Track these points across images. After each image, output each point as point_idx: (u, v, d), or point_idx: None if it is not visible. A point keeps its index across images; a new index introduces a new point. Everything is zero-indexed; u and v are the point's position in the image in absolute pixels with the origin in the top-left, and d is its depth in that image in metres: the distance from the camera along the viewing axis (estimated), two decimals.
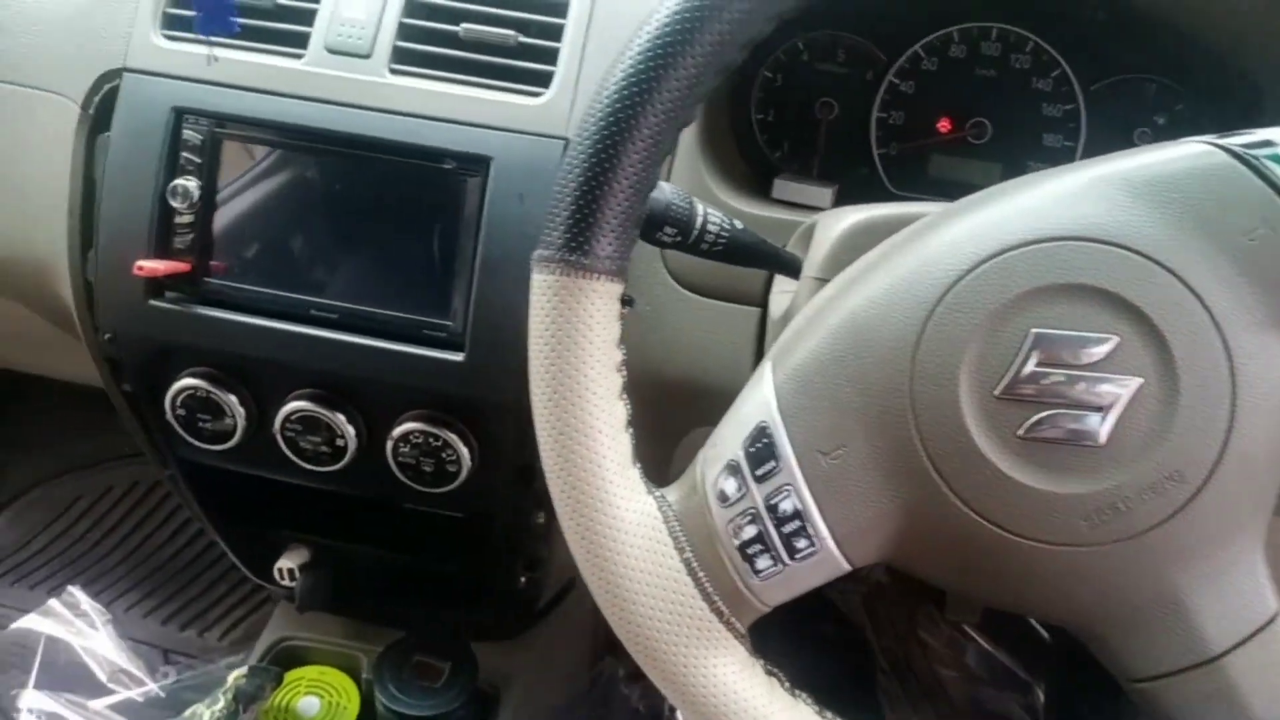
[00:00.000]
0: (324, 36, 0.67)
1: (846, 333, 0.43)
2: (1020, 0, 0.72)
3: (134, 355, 0.72)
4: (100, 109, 0.69)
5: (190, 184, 0.66)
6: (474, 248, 0.65)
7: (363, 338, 0.68)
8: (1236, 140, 0.41)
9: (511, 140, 0.65)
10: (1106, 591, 0.42)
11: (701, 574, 0.43)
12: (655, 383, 0.68)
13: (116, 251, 0.67)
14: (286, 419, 0.70)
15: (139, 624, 1.22)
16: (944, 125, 0.75)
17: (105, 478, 1.32)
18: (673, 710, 1.03)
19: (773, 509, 0.42)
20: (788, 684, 0.45)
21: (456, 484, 0.71)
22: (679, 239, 0.54)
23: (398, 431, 0.70)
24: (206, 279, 0.68)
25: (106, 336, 0.72)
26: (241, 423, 0.71)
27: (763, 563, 0.43)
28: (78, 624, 1.15)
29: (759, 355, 0.68)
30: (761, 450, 0.43)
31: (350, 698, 0.90)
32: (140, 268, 0.65)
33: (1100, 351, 0.40)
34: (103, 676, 1.11)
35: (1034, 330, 0.40)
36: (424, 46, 0.67)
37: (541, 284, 0.43)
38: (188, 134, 0.67)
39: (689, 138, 0.68)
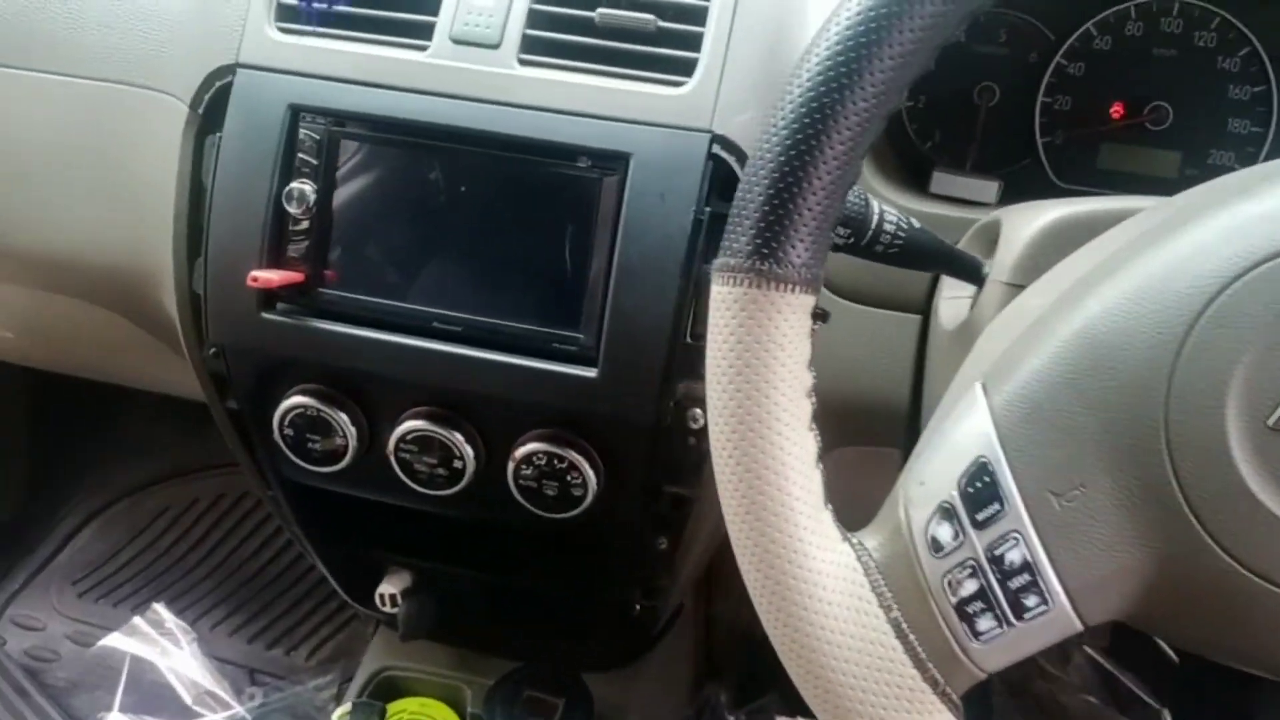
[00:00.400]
0: (449, 26, 0.62)
1: (1081, 350, 0.37)
2: None
3: (242, 371, 0.68)
4: (210, 108, 0.65)
5: (306, 187, 0.62)
6: (610, 253, 0.60)
7: (487, 352, 0.63)
8: None
9: (651, 135, 0.60)
10: None
11: (912, 636, 0.38)
12: None
13: (227, 260, 0.63)
14: (401, 439, 0.66)
15: (224, 642, 1.20)
16: (1117, 111, 0.70)
17: (191, 489, 1.31)
18: None
19: (997, 560, 0.37)
20: None
21: (581, 509, 0.66)
22: (851, 240, 0.50)
23: (520, 453, 0.65)
24: (321, 289, 0.64)
25: (212, 351, 0.68)
26: (353, 443, 0.67)
27: (985, 623, 0.38)
28: (163, 642, 1.15)
29: (919, 368, 0.63)
30: (982, 491, 0.38)
31: None
32: (254, 278, 0.61)
33: None
34: (188, 699, 1.10)
35: None
36: (556, 34, 0.62)
37: (725, 297, 0.39)
38: (304, 133, 0.62)
39: None
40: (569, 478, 0.65)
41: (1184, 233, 0.38)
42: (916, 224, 0.51)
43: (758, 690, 1.07)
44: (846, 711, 0.38)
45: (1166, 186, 0.70)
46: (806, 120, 0.37)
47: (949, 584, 0.38)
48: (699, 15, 0.62)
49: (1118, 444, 0.36)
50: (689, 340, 0.62)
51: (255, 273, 0.61)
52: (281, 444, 0.68)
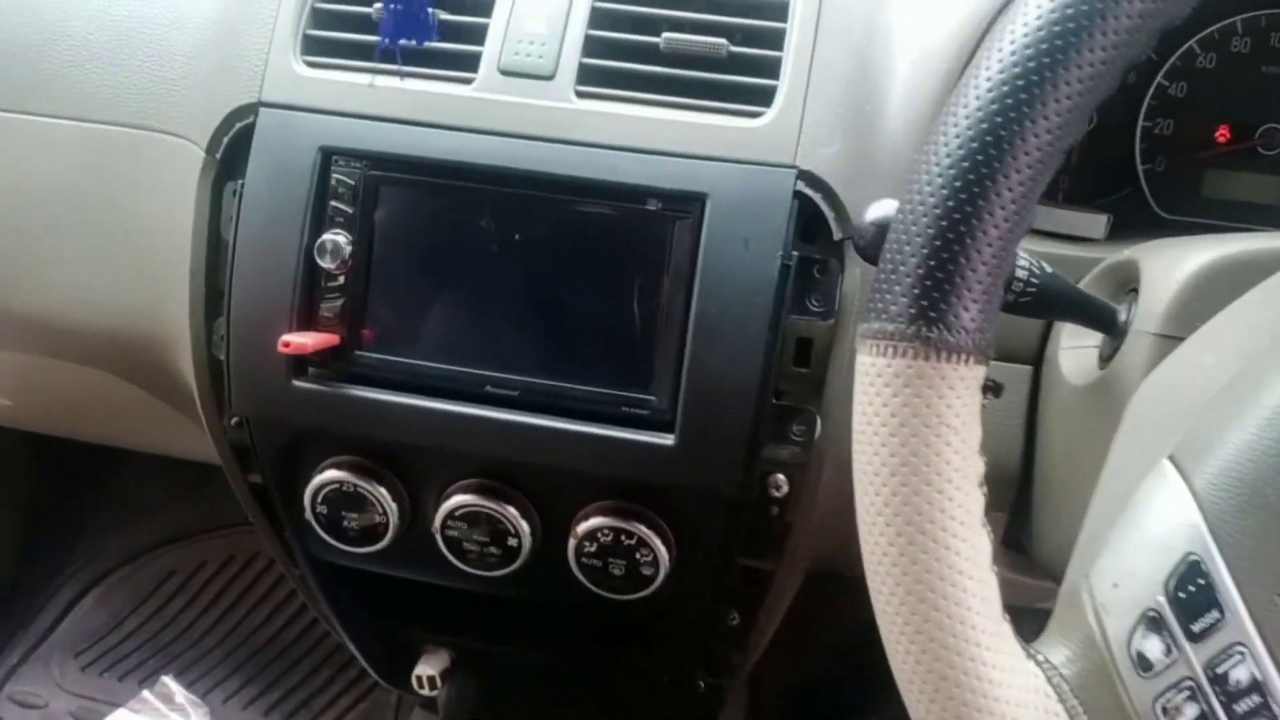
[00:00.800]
0: (497, 56, 0.56)
1: None
2: None
3: (269, 443, 0.61)
4: (229, 152, 0.58)
5: (340, 239, 0.55)
6: (686, 306, 0.54)
7: (548, 419, 0.56)
8: None
9: (728, 172, 0.54)
10: None
11: None
12: None
13: (252, 322, 0.57)
14: (449, 515, 0.59)
15: (239, 716, 1.13)
16: (1223, 135, 0.65)
17: (198, 551, 1.23)
18: None
19: (1219, 680, 0.31)
20: None
21: (652, 589, 0.59)
22: None
23: (582, 528, 0.58)
24: (359, 352, 0.57)
25: (234, 421, 0.61)
26: (394, 520, 0.60)
27: None
28: (173, 717, 1.08)
29: (1030, 425, 0.57)
30: (1197, 596, 0.32)
31: None
32: (286, 343, 0.54)
33: None
34: None
35: None
36: (616, 63, 0.56)
37: (881, 370, 0.33)
38: (337, 178, 0.56)
39: None
40: (638, 555, 0.58)
41: None
42: (1048, 268, 0.45)
43: None
44: None
45: (1278, 216, 0.64)
46: (979, 155, 0.32)
47: (1162, 710, 0.32)
48: (776, 38, 0.56)
49: None
50: (773, 401, 0.55)
51: (286, 336, 0.54)
52: (314, 523, 0.61)
